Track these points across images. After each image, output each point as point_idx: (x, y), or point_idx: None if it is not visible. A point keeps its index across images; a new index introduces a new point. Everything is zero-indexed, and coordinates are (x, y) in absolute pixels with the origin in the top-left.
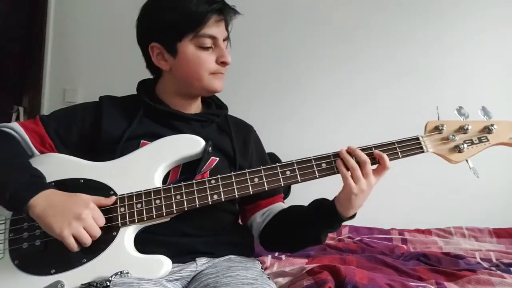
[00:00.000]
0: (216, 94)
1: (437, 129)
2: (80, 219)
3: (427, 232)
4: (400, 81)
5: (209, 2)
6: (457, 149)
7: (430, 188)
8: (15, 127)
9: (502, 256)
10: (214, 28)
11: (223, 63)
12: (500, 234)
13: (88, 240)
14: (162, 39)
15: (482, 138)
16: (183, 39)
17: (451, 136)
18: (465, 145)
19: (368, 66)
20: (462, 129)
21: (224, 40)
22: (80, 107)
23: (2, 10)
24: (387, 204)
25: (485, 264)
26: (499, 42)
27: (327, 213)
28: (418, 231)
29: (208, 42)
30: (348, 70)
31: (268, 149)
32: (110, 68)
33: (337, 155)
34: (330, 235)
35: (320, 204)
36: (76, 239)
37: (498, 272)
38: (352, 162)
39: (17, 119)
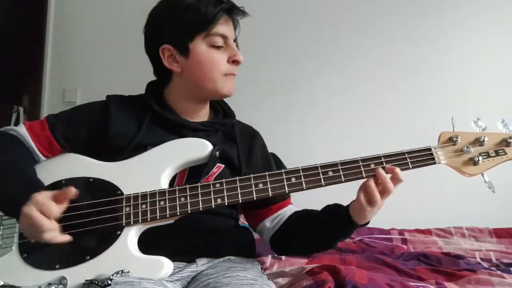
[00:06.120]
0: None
1: (451, 140)
2: (28, 217)
3: (427, 232)
4: (405, 81)
5: (218, 2)
6: (472, 161)
7: (430, 188)
8: (21, 132)
9: (502, 256)
10: (224, 27)
11: (235, 62)
12: (500, 234)
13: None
14: (173, 40)
15: (499, 151)
16: (195, 39)
17: (465, 148)
18: (480, 158)
19: (371, 67)
20: (477, 141)
21: (234, 40)
22: (88, 109)
23: (2, 10)
24: (387, 204)
25: (485, 264)
26: (501, 41)
27: (342, 222)
28: (418, 231)
29: (219, 41)
30: (352, 71)
31: (270, 150)
32: (110, 68)
33: (344, 163)
34: None
35: (335, 212)
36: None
37: (498, 272)
38: (375, 191)
39: (17, 119)
